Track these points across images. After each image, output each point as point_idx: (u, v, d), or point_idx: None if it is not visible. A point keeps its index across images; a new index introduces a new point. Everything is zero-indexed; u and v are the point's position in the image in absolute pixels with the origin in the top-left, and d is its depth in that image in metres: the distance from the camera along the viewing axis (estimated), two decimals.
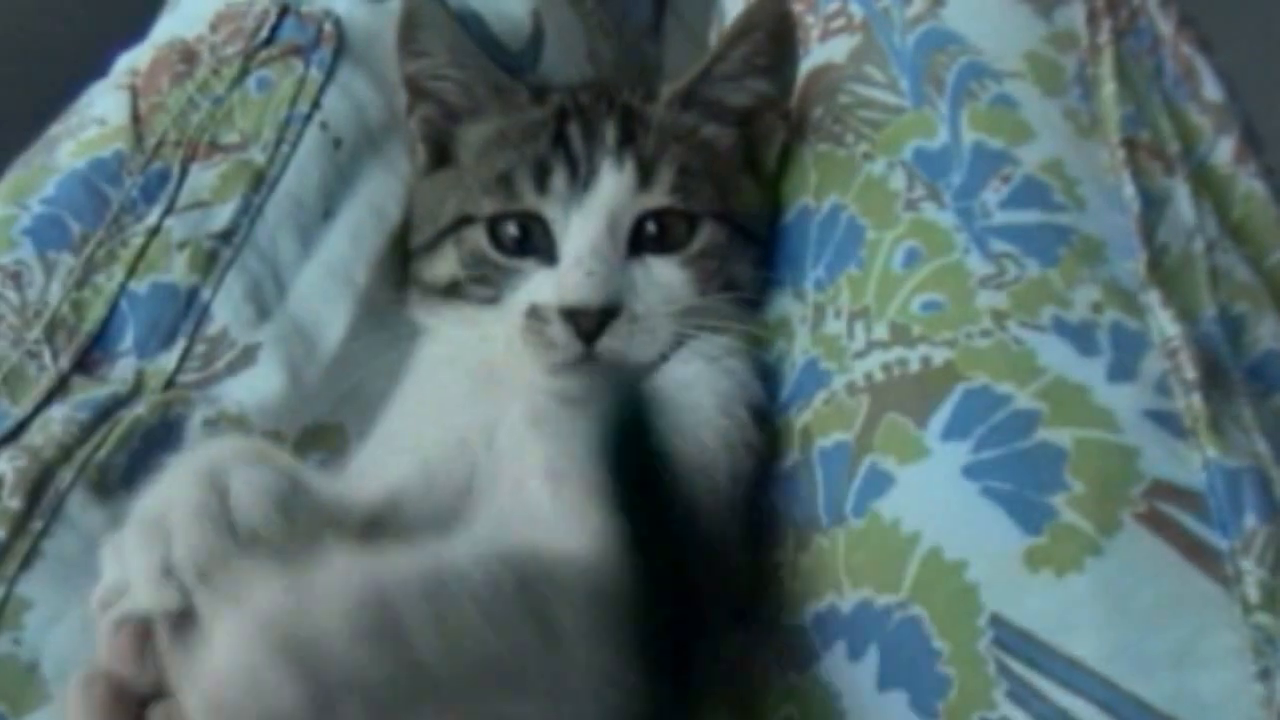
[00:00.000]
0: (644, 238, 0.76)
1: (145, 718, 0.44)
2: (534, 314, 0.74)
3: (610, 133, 0.78)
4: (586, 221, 0.75)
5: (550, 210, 0.76)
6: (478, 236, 0.78)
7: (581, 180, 0.76)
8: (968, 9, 0.79)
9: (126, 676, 0.44)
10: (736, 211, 0.79)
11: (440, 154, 0.84)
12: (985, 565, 0.60)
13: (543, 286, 0.75)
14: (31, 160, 0.84)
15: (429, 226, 0.82)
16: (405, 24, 0.81)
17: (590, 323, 0.72)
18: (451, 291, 0.79)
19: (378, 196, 0.86)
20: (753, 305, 0.79)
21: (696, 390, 0.73)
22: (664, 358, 0.74)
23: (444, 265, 0.80)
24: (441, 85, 0.83)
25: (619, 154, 0.76)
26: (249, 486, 0.51)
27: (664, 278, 0.76)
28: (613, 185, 0.76)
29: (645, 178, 0.76)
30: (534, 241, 0.77)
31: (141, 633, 0.45)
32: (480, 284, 0.77)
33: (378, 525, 0.65)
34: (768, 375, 0.77)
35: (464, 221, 0.79)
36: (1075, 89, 0.74)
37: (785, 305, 0.79)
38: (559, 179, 0.76)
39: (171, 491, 0.51)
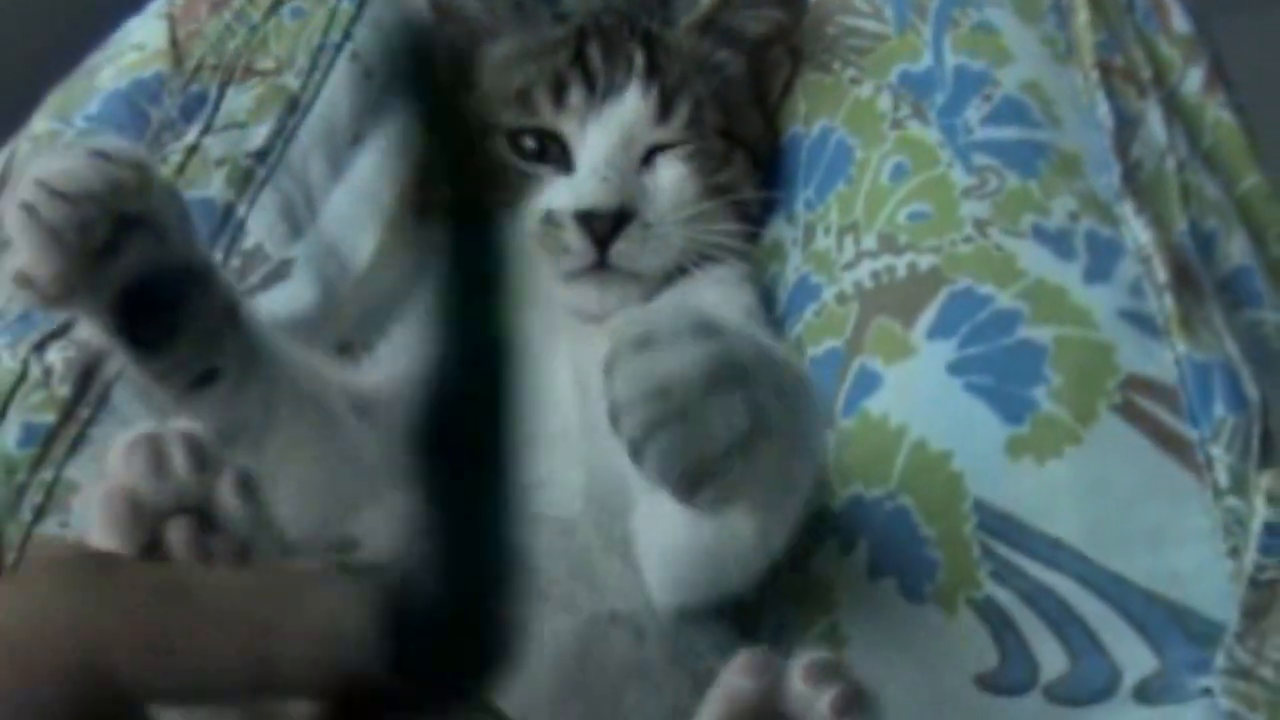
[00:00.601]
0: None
1: (163, 532, 0.40)
2: (549, 219, 0.70)
3: (639, 59, 0.74)
4: (603, 134, 0.72)
5: (567, 125, 0.73)
6: (497, 146, 0.74)
7: (599, 95, 0.73)
8: None
9: (145, 492, 0.40)
10: (744, 136, 0.76)
11: (463, 75, 0.80)
12: (970, 454, 0.58)
13: (559, 193, 0.71)
14: (73, 85, 0.82)
15: None
16: None
17: (604, 227, 0.69)
18: None
19: (404, 125, 0.81)
20: (755, 228, 0.76)
21: (726, 307, 0.69)
22: (680, 270, 0.71)
23: None
24: (465, 3, 0.79)
25: (647, 82, 0.73)
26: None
27: (671, 179, 0.72)
28: (635, 111, 0.72)
29: (665, 110, 0.73)
30: (550, 154, 0.73)
31: (157, 449, 0.41)
32: (497, 191, 0.73)
33: (372, 406, 0.62)
34: (769, 301, 0.74)
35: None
36: (1051, 17, 0.72)
37: (778, 229, 0.76)
38: (575, 94, 0.73)
39: None
